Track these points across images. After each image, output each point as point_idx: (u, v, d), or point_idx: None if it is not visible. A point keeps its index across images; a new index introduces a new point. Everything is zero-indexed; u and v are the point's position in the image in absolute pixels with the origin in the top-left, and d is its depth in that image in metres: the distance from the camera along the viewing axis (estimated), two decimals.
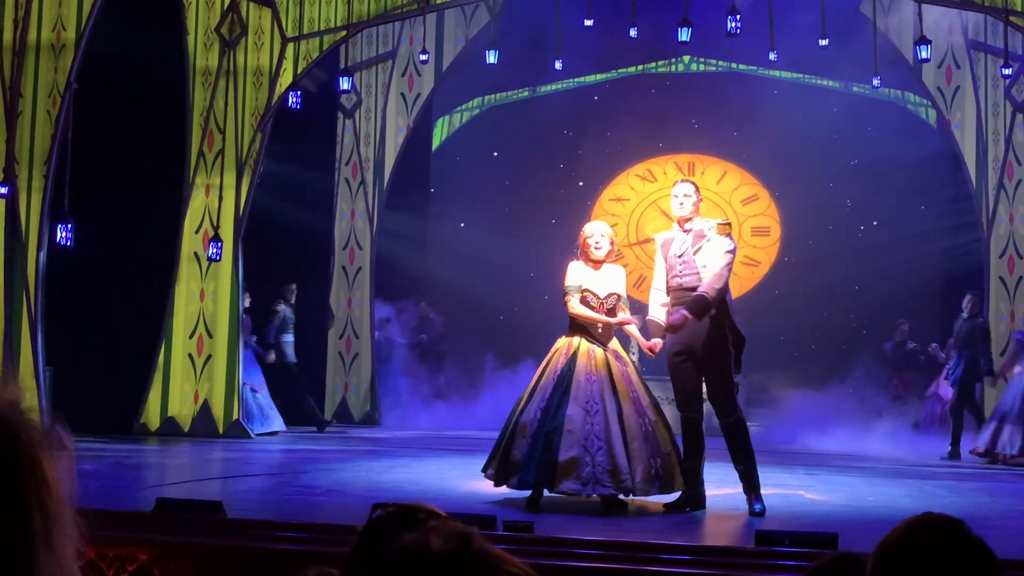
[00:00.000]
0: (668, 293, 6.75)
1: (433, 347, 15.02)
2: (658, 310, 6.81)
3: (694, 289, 6.58)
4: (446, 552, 1.04)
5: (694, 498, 6.64)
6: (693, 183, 6.90)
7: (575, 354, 6.60)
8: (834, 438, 11.91)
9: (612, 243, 6.87)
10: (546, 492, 6.43)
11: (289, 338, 12.85)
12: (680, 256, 6.68)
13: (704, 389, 6.82)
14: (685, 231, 6.74)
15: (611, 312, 6.73)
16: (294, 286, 13.06)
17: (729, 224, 6.86)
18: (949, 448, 11.23)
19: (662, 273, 6.82)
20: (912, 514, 1.76)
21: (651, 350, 6.76)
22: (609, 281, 6.79)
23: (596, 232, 6.84)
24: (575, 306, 6.72)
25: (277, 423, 12.17)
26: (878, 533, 1.78)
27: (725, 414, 6.58)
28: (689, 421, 6.73)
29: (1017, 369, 10.99)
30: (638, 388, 6.56)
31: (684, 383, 6.71)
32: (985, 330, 11.80)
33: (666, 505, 6.59)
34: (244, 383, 11.72)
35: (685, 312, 6.44)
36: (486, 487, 6.78)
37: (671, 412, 12.57)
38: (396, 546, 1.07)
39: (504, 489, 6.63)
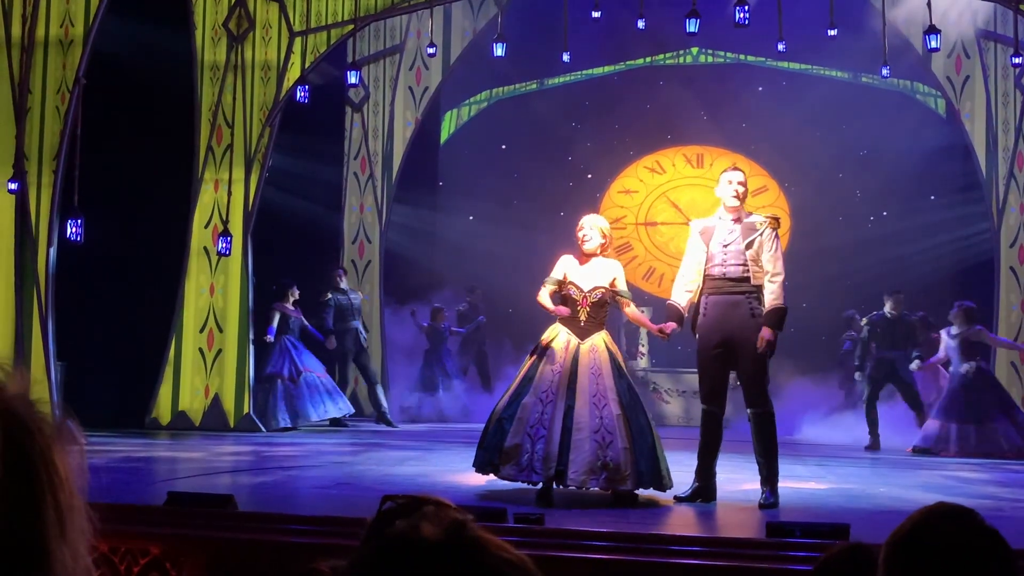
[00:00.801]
0: (705, 281, 6.64)
1: (475, 335, 14.89)
2: (681, 295, 6.72)
3: (739, 280, 6.53)
4: (438, 539, 1.04)
5: (706, 490, 6.63)
6: (743, 171, 6.87)
7: (549, 345, 6.66)
8: (843, 428, 11.91)
9: (605, 236, 6.83)
10: (492, 476, 6.55)
11: (353, 325, 12.60)
12: (727, 246, 6.59)
13: (733, 383, 6.80)
14: (734, 220, 6.66)
15: (596, 305, 6.71)
16: (341, 271, 12.92)
17: (778, 220, 6.81)
18: (871, 439, 11.24)
19: (696, 260, 6.69)
20: (924, 504, 1.76)
21: (662, 331, 6.72)
22: (596, 275, 6.77)
23: (587, 225, 6.85)
24: (539, 296, 6.80)
25: (338, 408, 12.06)
26: (889, 524, 1.77)
27: (756, 404, 6.52)
28: (710, 414, 6.68)
29: (953, 367, 10.98)
30: (607, 382, 6.48)
31: (713, 376, 6.65)
32: (918, 325, 11.75)
33: (677, 497, 6.59)
34: (308, 371, 11.84)
35: (770, 334, 6.42)
36: (497, 480, 6.78)
37: (681, 404, 12.60)
38: (388, 533, 1.07)
39: (490, 479, 6.68)
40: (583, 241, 6.81)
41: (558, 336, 6.68)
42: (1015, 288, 13.22)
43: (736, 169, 6.86)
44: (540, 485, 6.40)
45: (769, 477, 6.48)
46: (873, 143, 15.63)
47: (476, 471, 6.65)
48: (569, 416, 6.35)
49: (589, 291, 6.72)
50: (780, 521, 5.24)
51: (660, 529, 5.50)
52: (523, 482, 6.41)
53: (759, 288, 6.55)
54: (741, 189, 6.67)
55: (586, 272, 6.78)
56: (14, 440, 1.06)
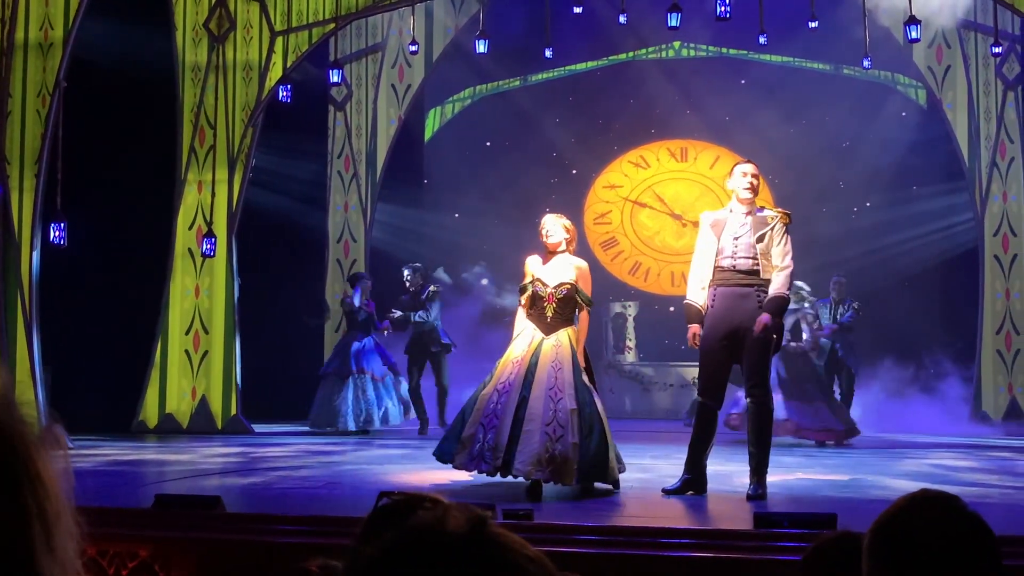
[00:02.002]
0: (714, 272, 6.58)
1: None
2: (697, 293, 6.65)
3: (749, 273, 6.51)
4: (462, 533, 1.04)
5: (696, 483, 6.64)
6: (755, 164, 6.87)
7: (516, 339, 6.74)
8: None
9: (568, 232, 6.90)
10: (450, 466, 6.65)
11: (415, 321, 11.86)
12: (737, 238, 6.56)
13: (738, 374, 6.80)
14: (746, 214, 6.63)
15: (562, 302, 6.75)
16: (407, 271, 12.23)
17: (790, 215, 6.81)
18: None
19: (708, 253, 6.63)
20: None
21: (694, 336, 6.63)
22: (562, 271, 6.82)
23: (548, 223, 6.94)
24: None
25: (398, 414, 11.66)
26: (876, 513, 1.78)
27: (756, 395, 6.51)
28: (706, 408, 6.64)
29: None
30: (566, 376, 6.50)
31: (715, 369, 6.61)
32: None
33: (665, 490, 6.60)
34: (365, 372, 11.48)
35: (768, 319, 6.39)
36: (486, 477, 6.78)
37: (668, 397, 12.59)
38: (412, 524, 1.07)
39: (481, 475, 6.71)
40: (546, 238, 6.89)
41: (524, 331, 6.76)
42: (1000, 276, 13.28)
43: (749, 162, 6.88)
44: (497, 476, 6.47)
45: (758, 468, 6.49)
46: (856, 134, 15.69)
47: (436, 460, 6.75)
48: (523, 407, 6.41)
49: (555, 287, 6.76)
50: (768, 512, 5.26)
51: (649, 522, 5.51)
52: (474, 471, 6.52)
53: (768, 282, 6.55)
54: (755, 181, 6.68)
55: (551, 269, 6.84)
56: None
